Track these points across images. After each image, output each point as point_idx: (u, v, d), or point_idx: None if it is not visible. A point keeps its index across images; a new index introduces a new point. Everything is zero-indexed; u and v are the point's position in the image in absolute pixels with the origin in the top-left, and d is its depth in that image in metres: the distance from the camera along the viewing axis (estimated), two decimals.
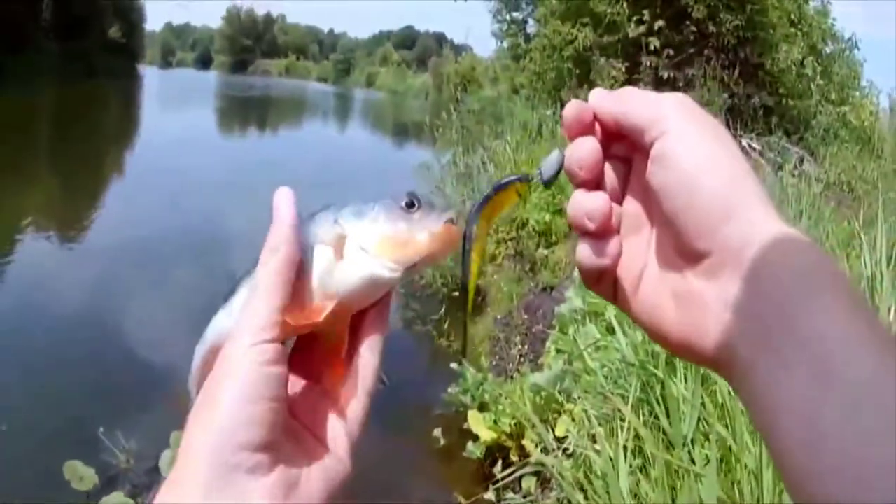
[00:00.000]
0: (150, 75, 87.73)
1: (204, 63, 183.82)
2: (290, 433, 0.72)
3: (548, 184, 0.78)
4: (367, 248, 0.75)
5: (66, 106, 35.13)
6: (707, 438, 3.03)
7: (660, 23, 16.98)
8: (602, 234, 0.72)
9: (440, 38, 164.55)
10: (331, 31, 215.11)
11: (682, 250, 0.66)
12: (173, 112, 40.65)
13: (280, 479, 0.67)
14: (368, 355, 0.78)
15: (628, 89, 0.73)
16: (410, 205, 0.78)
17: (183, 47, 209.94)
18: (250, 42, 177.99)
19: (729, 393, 3.21)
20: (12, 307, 8.21)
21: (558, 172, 0.76)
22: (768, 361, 0.57)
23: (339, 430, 0.77)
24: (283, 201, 0.75)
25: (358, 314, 0.79)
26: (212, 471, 0.63)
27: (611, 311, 4.76)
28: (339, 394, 0.78)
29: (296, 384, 0.79)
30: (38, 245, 10.95)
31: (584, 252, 0.73)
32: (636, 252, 0.73)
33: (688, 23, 17.00)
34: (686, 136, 0.66)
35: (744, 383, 0.60)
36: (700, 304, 0.64)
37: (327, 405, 0.77)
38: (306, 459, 0.72)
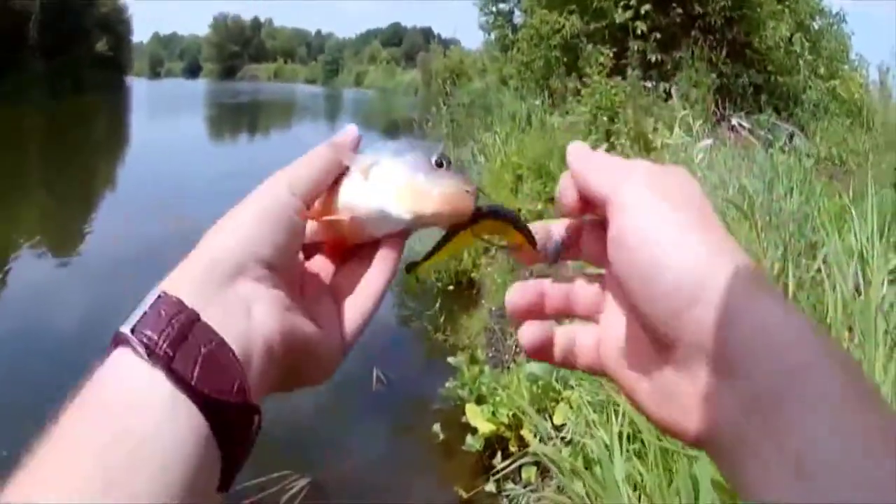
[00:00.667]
0: (139, 87, 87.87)
1: (192, 72, 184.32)
2: (297, 299, 0.72)
3: (550, 260, 0.76)
4: (388, 182, 0.78)
5: (54, 123, 35.24)
6: None
7: (646, 6, 17.00)
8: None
9: (427, 34, 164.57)
10: (318, 32, 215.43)
11: (650, 337, 0.61)
12: (162, 122, 40.82)
13: (283, 300, 0.67)
14: (375, 274, 0.79)
15: (596, 155, 0.69)
16: (439, 164, 0.80)
17: (171, 57, 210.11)
18: (238, 48, 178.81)
19: None
20: (7, 324, 8.17)
21: (558, 255, 0.76)
22: (752, 466, 0.52)
23: (336, 329, 0.76)
24: (352, 130, 0.82)
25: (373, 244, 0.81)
26: (213, 269, 0.64)
27: None
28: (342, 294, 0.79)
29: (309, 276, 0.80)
30: (32, 262, 10.92)
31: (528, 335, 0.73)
32: (617, 328, 0.69)
33: (674, 5, 17.04)
34: (645, 210, 0.61)
35: (729, 475, 0.56)
36: (675, 397, 0.60)
37: (331, 303, 0.77)
38: (309, 321, 0.71)
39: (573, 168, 0.69)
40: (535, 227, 0.77)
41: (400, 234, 0.80)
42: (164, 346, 0.57)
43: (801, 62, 17.84)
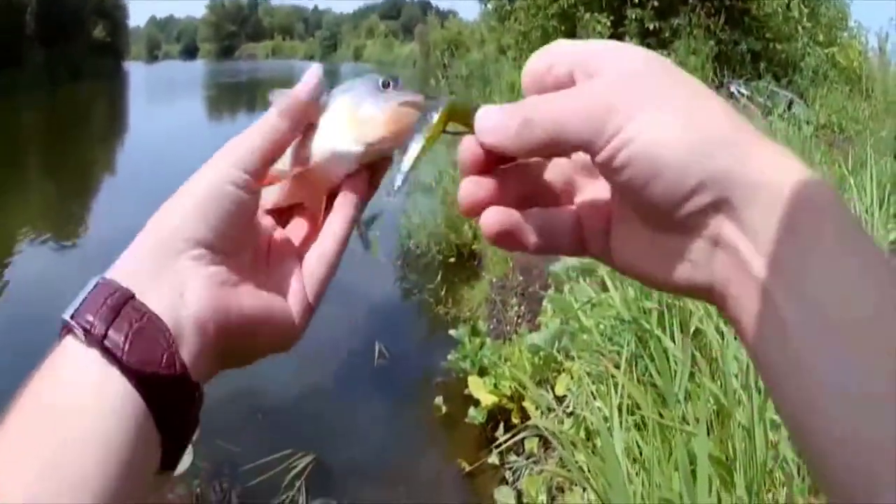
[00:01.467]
0: (137, 71, 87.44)
1: (189, 53, 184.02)
2: (251, 271, 0.73)
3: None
4: (334, 120, 0.77)
5: (53, 112, 35.14)
6: (699, 395, 3.00)
7: None
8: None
9: (425, 6, 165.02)
10: (315, 8, 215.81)
11: (652, 219, 0.59)
12: (161, 106, 40.55)
13: (221, 277, 0.67)
14: (335, 218, 0.78)
15: (538, 114, 0.60)
16: (385, 85, 0.78)
17: (168, 40, 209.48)
18: (235, 27, 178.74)
19: (720, 347, 3.18)
20: (10, 312, 8.18)
21: None
22: (762, 311, 0.52)
23: (299, 291, 0.76)
24: (312, 75, 0.78)
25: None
26: (154, 250, 0.65)
27: (603, 269, 4.73)
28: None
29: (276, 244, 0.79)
30: (34, 250, 10.89)
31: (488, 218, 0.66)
32: (597, 204, 0.67)
33: None
34: (641, 126, 0.55)
35: (736, 324, 0.56)
36: (677, 255, 0.58)
37: (296, 266, 0.77)
38: (257, 294, 0.71)
39: (515, 135, 0.61)
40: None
41: (360, 173, 0.79)
42: (98, 325, 0.58)
43: (799, 29, 17.79)
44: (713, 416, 2.95)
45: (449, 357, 5.59)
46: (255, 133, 0.74)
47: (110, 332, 0.58)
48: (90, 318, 0.59)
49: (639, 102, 0.56)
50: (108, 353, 0.58)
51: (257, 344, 0.71)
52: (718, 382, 3.07)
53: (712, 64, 15.56)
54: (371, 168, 0.79)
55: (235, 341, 0.68)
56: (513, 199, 0.67)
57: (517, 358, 5.08)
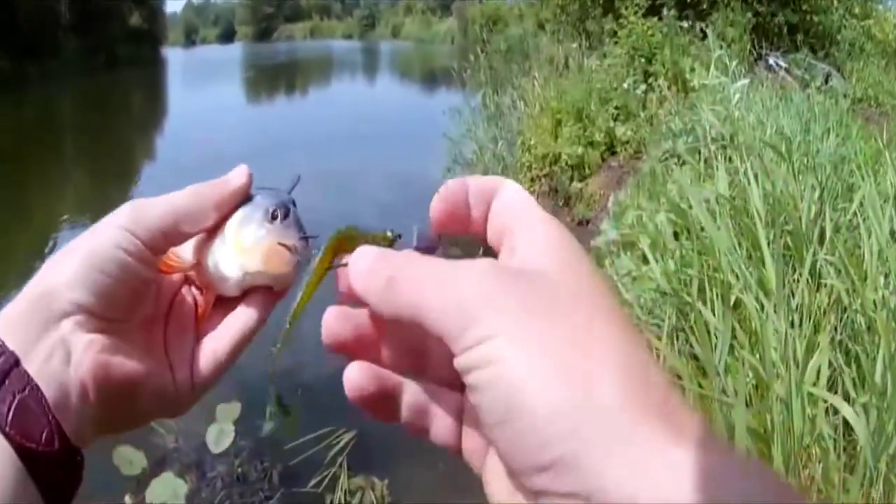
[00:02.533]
0: (174, 57, 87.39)
1: (227, 37, 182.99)
2: (140, 334, 0.72)
3: (420, 250, 0.61)
4: (226, 238, 0.76)
5: (91, 100, 35.14)
6: (738, 367, 2.99)
7: None
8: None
9: None
10: None
11: (509, 473, 0.51)
12: (199, 91, 40.72)
13: (103, 342, 0.66)
14: (232, 324, 0.76)
15: (406, 279, 0.54)
16: (273, 216, 0.75)
17: (205, 24, 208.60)
18: (272, 9, 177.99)
19: (759, 319, 3.16)
20: None
21: (430, 250, 0.61)
22: None
23: (186, 368, 0.74)
24: (240, 173, 0.77)
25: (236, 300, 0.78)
26: (41, 308, 0.64)
27: (644, 241, 4.71)
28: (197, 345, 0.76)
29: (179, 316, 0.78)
30: (74, 236, 11.06)
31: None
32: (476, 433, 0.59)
33: None
34: (501, 345, 0.47)
35: None
36: None
37: (192, 343, 0.76)
38: (140, 360, 0.70)
39: (375, 301, 0.56)
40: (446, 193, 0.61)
41: (264, 292, 0.77)
42: None
43: (835, 1, 17.61)
44: (752, 388, 2.95)
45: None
46: (161, 203, 0.73)
47: None
48: None
49: (516, 323, 0.48)
50: None
51: (138, 409, 0.71)
52: (757, 355, 3.05)
53: (749, 36, 15.42)
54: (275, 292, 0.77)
55: (115, 406, 0.67)
56: (393, 349, 0.62)
57: None
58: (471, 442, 0.59)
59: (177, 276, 0.78)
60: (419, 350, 0.62)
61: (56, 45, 50.10)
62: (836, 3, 17.57)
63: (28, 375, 0.61)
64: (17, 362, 0.61)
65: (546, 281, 0.50)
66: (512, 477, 0.51)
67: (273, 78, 47.81)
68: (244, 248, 0.74)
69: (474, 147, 12.79)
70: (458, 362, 0.49)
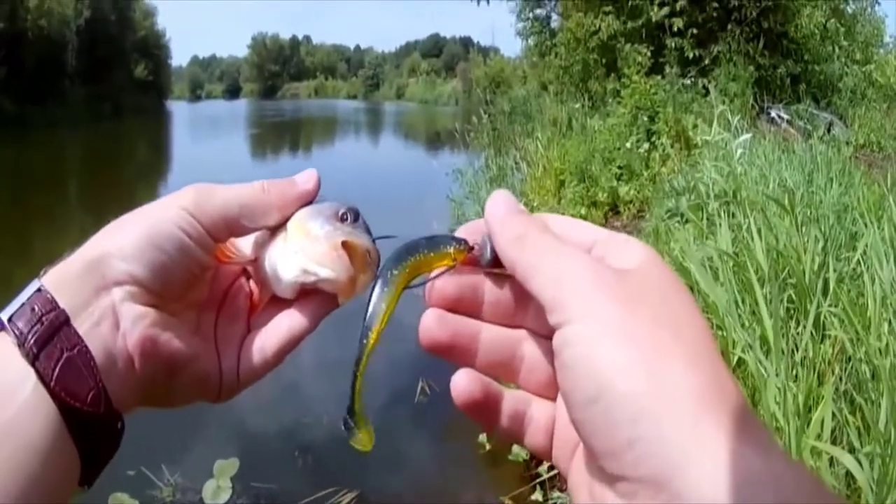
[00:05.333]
0: (180, 109, 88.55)
1: (233, 93, 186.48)
2: (191, 316, 0.73)
3: (488, 264, 0.64)
4: (288, 237, 0.74)
5: (95, 147, 35.80)
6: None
7: (682, 2, 16.98)
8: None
9: (467, 43, 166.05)
10: (357, 47, 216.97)
11: (591, 460, 0.53)
12: (204, 143, 40.99)
13: (153, 317, 0.66)
14: (283, 322, 0.75)
15: (532, 234, 0.59)
16: (343, 217, 0.74)
17: (211, 79, 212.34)
18: (277, 67, 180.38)
19: (762, 378, 3.14)
20: None
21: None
22: None
23: (233, 360, 0.74)
24: (312, 174, 0.78)
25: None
26: (93, 272, 0.64)
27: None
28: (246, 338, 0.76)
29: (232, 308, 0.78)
30: None
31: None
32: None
33: None
34: (596, 325, 0.51)
35: None
36: None
37: (243, 333, 0.76)
38: (191, 344, 0.70)
39: (502, 247, 0.60)
40: (468, 231, 0.66)
41: (320, 299, 0.75)
42: (31, 342, 0.59)
43: (836, 49, 17.80)
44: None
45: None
46: (226, 192, 0.72)
47: (42, 356, 0.59)
48: (23, 328, 0.60)
49: (612, 309, 0.51)
50: (39, 375, 0.59)
51: (180, 388, 0.70)
52: (760, 411, 3.03)
53: (752, 89, 15.54)
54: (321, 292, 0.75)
55: (159, 380, 0.67)
56: (489, 356, 0.64)
57: None
58: (561, 446, 0.61)
59: (234, 266, 0.78)
60: (512, 357, 0.64)
61: (62, 91, 50.98)
62: (837, 50, 17.74)
63: (78, 335, 0.61)
64: (67, 321, 0.61)
65: (637, 277, 0.54)
66: (593, 469, 0.53)
67: (278, 135, 48.11)
68: (309, 248, 0.72)
69: (477, 209, 12.83)
70: (556, 338, 0.52)
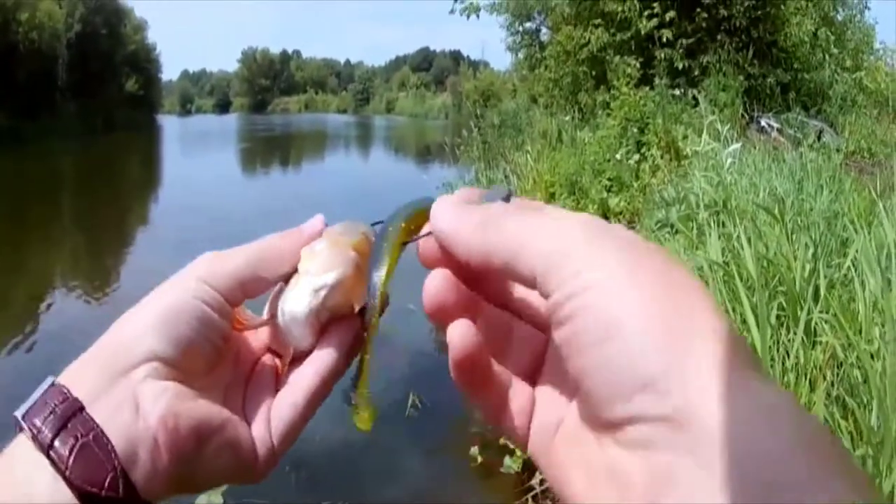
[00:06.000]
0: (170, 124, 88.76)
1: (223, 107, 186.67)
2: (217, 390, 0.69)
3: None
4: (298, 273, 0.71)
5: (86, 162, 35.89)
6: None
7: (671, 14, 17.09)
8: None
9: (456, 56, 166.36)
10: (347, 61, 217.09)
11: (593, 414, 0.50)
12: (194, 158, 41.08)
13: (176, 391, 0.63)
14: (306, 370, 0.71)
15: (497, 220, 0.55)
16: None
17: (201, 93, 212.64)
18: (267, 82, 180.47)
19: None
20: (43, 363, 8.19)
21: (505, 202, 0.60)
22: None
23: (264, 426, 0.70)
24: (318, 220, 0.75)
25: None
26: (111, 361, 0.62)
27: None
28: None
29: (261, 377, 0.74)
30: (67, 299, 10.95)
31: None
32: (554, 398, 0.58)
33: (699, 10, 17.06)
34: (599, 273, 0.49)
35: None
36: (620, 481, 0.47)
37: (270, 400, 0.72)
38: (218, 413, 0.66)
39: (465, 243, 0.57)
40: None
41: (340, 329, 0.72)
42: (45, 431, 0.58)
43: (826, 56, 17.89)
44: None
45: None
46: (238, 253, 0.71)
47: (56, 444, 0.57)
48: (38, 422, 0.58)
49: (614, 258, 0.49)
50: (54, 464, 0.57)
51: (213, 465, 0.66)
52: None
53: (742, 99, 15.59)
54: (348, 324, 0.72)
55: (189, 459, 0.63)
56: (482, 335, 0.59)
57: None
58: (540, 431, 0.58)
59: (257, 344, 0.75)
60: (507, 332, 0.63)
61: (53, 105, 51.06)
62: (827, 58, 17.82)
63: (93, 421, 0.59)
64: (81, 409, 0.59)
65: (631, 235, 0.52)
66: (593, 427, 0.51)
67: (268, 149, 48.18)
68: (312, 266, 0.70)
69: None
70: (555, 296, 0.50)
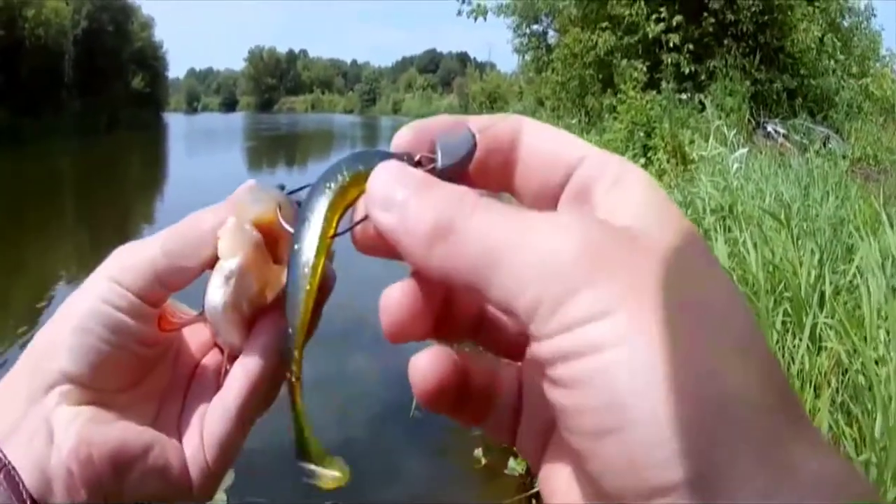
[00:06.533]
0: (176, 122, 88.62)
1: (229, 105, 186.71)
2: (143, 403, 0.62)
3: (445, 172, 0.47)
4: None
5: (91, 159, 35.77)
6: None
7: (678, 18, 17.07)
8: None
9: (463, 58, 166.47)
10: (353, 62, 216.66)
11: (596, 491, 0.39)
12: (200, 157, 40.94)
13: (90, 415, 0.57)
14: (235, 371, 0.62)
15: (465, 231, 0.40)
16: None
17: (207, 92, 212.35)
18: (274, 81, 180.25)
19: None
20: None
21: (465, 161, 0.48)
22: None
23: (196, 442, 0.63)
24: (241, 191, 0.62)
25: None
26: (26, 383, 0.58)
27: None
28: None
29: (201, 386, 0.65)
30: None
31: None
32: (542, 407, 0.46)
33: (706, 14, 17.04)
34: (608, 327, 0.36)
35: None
36: None
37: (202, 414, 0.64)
38: (140, 437, 0.59)
39: (416, 253, 0.43)
40: (411, 136, 0.50)
41: (267, 321, 0.61)
42: None
43: (833, 63, 17.86)
44: None
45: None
46: (151, 242, 0.62)
47: None
48: None
49: (632, 298, 0.36)
50: None
51: (132, 486, 0.58)
52: None
53: (748, 104, 15.55)
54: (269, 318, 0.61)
55: (105, 483, 0.57)
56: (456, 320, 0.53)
57: None
58: (526, 430, 0.51)
59: (200, 341, 0.67)
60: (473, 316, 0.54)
61: (58, 102, 50.94)
62: (833, 64, 17.79)
63: (4, 459, 0.54)
64: None
65: (653, 242, 0.39)
66: (592, 488, 0.41)
67: (275, 149, 48.05)
68: (221, 252, 0.58)
69: None
70: (544, 348, 0.38)
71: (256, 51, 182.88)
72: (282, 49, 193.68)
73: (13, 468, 0.54)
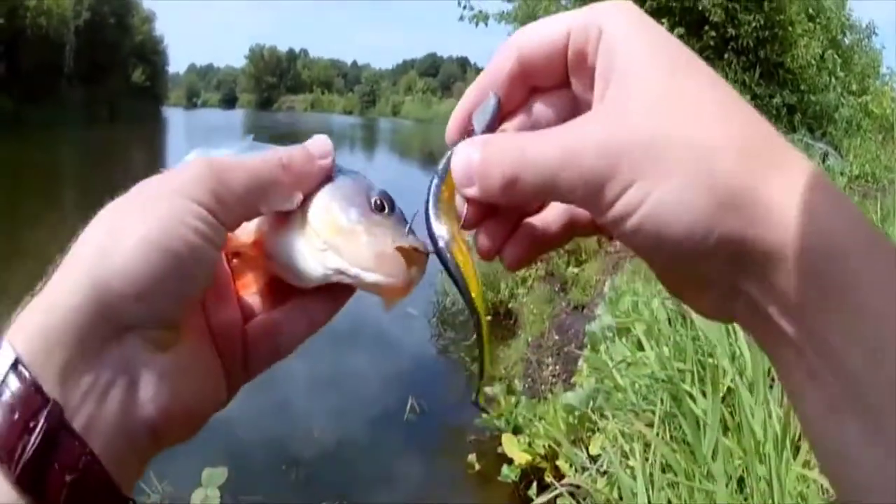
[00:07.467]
0: (175, 116, 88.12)
1: (229, 102, 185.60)
2: (191, 337, 0.58)
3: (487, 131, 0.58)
4: (313, 221, 0.62)
5: (90, 151, 35.82)
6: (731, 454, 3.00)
7: (679, 30, 16.99)
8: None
9: (464, 63, 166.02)
10: (354, 63, 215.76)
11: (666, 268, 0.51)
12: (200, 152, 40.96)
13: (175, 363, 0.54)
14: (290, 315, 0.64)
15: (530, 172, 0.50)
16: (379, 207, 0.64)
17: (207, 88, 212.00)
18: (274, 79, 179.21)
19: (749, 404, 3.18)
20: None
21: (492, 122, 0.58)
22: (793, 367, 0.46)
23: (237, 358, 0.62)
24: (324, 146, 0.66)
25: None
26: (93, 325, 0.49)
27: (639, 328, 4.73)
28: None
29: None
30: None
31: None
32: None
33: (707, 28, 17.01)
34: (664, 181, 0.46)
35: (762, 346, 0.49)
36: (699, 290, 0.50)
37: (237, 324, 0.63)
38: (207, 378, 0.59)
39: (502, 198, 0.53)
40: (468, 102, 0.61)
41: (336, 288, 0.64)
42: (19, 470, 0.45)
43: (833, 79, 17.85)
44: (745, 472, 2.96)
45: (483, 415, 5.55)
46: (243, 172, 0.58)
47: (36, 489, 0.46)
48: (6, 442, 0.46)
49: (645, 159, 0.46)
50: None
51: (195, 424, 0.58)
52: (751, 440, 3.07)
53: None
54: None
55: (172, 440, 0.56)
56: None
57: (552, 417, 5.05)
58: None
59: None
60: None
61: (58, 92, 50.73)
62: (833, 81, 17.79)
63: (80, 442, 0.47)
64: (62, 422, 0.47)
65: (677, 83, 0.51)
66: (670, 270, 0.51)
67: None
68: (345, 248, 0.60)
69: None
70: (607, 219, 0.48)
71: (257, 49, 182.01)
72: (282, 48, 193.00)
73: (94, 458, 0.48)
